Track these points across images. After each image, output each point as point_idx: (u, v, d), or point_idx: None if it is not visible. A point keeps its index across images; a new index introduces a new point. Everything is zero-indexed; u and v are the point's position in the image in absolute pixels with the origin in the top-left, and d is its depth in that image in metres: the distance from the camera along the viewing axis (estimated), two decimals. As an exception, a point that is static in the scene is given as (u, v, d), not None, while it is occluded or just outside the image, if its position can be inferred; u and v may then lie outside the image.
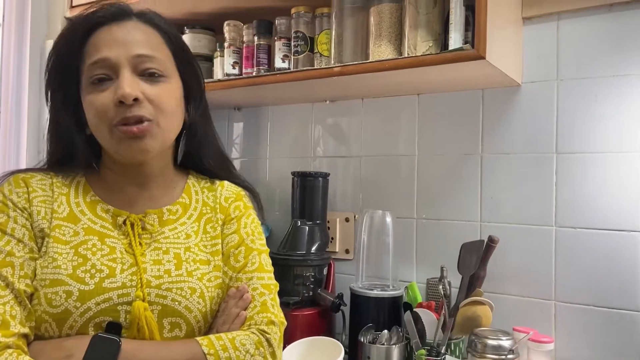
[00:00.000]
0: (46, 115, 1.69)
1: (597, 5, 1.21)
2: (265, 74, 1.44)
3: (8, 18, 1.68)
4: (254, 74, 1.48)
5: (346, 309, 1.37)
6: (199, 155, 0.99)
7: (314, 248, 1.43)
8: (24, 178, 0.86)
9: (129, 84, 0.82)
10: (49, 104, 0.91)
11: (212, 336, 0.82)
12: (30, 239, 0.82)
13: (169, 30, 0.91)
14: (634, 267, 1.17)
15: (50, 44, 1.69)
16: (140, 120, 0.83)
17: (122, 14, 0.87)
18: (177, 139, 0.95)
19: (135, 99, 0.82)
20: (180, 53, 0.92)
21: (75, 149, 0.90)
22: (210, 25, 1.59)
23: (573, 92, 1.25)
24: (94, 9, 0.87)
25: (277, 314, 0.89)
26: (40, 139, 1.70)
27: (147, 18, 0.89)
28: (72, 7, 1.69)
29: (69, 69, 0.87)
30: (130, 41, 0.85)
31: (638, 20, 1.18)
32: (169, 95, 0.87)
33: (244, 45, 1.52)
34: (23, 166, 1.47)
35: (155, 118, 0.84)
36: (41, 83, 1.67)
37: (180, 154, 0.97)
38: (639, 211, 1.17)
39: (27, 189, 0.85)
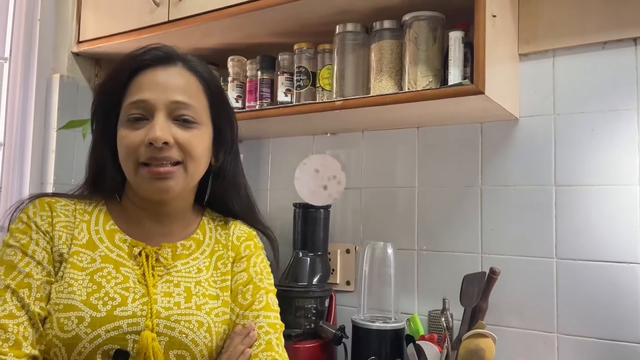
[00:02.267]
0: (53, 146, 1.71)
1: (591, 43, 1.25)
2: (268, 107, 1.47)
3: (15, 51, 1.72)
4: (257, 107, 1.50)
5: (348, 342, 1.36)
6: (224, 199, 1.01)
7: (315, 279, 1.43)
8: (49, 202, 0.89)
9: (161, 128, 0.85)
10: (92, 132, 0.95)
11: None
12: (49, 262, 0.84)
13: (210, 80, 0.94)
14: (635, 298, 1.17)
15: (57, 77, 1.74)
16: (168, 160, 0.86)
17: (168, 59, 0.91)
18: (202, 181, 0.97)
19: (165, 143, 0.85)
20: (217, 102, 0.95)
21: (106, 175, 0.93)
22: (215, 60, 1.63)
23: (570, 126, 1.28)
24: (143, 50, 0.91)
25: (282, 354, 0.90)
26: (44, 170, 1.72)
27: (191, 66, 0.93)
28: (79, 42, 1.73)
29: (112, 103, 0.90)
30: (170, 87, 0.88)
31: (630, 57, 1.22)
32: (198, 141, 0.89)
33: (248, 79, 1.55)
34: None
35: (184, 162, 0.87)
36: (46, 116, 1.72)
37: (207, 196, 0.99)
38: (638, 243, 1.18)
39: (52, 213, 0.87)
